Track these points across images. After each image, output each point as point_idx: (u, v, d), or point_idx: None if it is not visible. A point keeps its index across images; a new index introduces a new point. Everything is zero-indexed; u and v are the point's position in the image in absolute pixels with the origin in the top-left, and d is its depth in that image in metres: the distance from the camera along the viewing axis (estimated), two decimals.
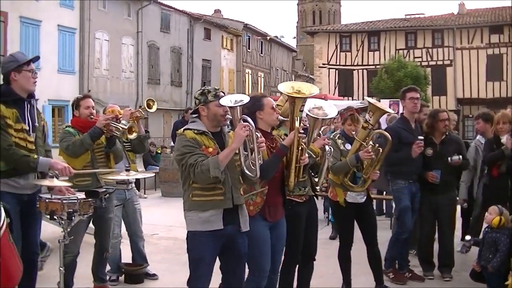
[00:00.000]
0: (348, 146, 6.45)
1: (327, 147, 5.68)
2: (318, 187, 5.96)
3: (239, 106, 4.67)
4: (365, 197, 6.54)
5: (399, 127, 7.25)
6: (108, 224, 6.50)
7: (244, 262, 4.91)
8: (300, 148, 5.12)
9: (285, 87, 5.28)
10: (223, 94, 4.77)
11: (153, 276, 7.43)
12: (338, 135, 6.64)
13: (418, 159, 7.15)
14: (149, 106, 7.16)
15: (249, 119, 4.61)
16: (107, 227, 6.49)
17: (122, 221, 7.36)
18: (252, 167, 4.66)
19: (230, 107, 4.69)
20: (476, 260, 6.53)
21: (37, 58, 5.47)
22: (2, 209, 4.18)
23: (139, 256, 7.49)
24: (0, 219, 4.07)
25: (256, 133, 4.64)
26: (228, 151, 4.56)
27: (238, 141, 4.53)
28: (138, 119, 7.07)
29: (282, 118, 5.49)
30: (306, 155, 5.18)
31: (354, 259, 6.73)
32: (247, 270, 5.06)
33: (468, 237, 6.94)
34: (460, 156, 7.23)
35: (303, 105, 5.45)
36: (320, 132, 5.76)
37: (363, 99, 39.66)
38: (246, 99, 4.81)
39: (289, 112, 5.30)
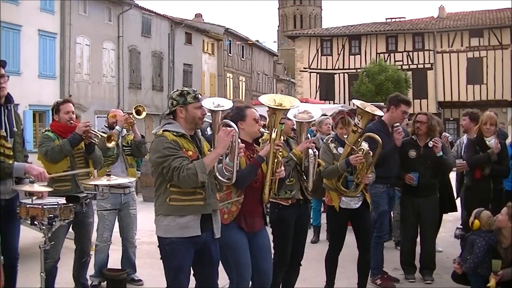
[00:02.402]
0: (340, 150, 6.36)
1: (310, 151, 5.69)
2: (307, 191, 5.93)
3: (221, 110, 4.66)
4: (360, 203, 6.43)
5: (377, 129, 7.14)
6: (88, 229, 6.49)
7: (217, 268, 4.84)
8: (276, 161, 5.09)
9: (267, 99, 5.25)
10: (201, 97, 4.71)
11: (138, 282, 7.37)
12: (331, 138, 6.58)
13: (396, 163, 7.22)
14: (139, 113, 7.16)
15: (232, 124, 4.59)
16: (87, 232, 6.47)
17: (114, 226, 7.31)
18: (226, 172, 4.64)
19: (212, 111, 4.66)
20: (457, 261, 6.57)
21: (3, 63, 5.29)
22: None
23: (127, 262, 7.44)
24: None
25: (238, 139, 4.63)
26: (215, 155, 4.50)
27: (223, 146, 4.48)
28: (131, 124, 7.15)
29: (262, 130, 5.47)
30: (282, 168, 5.16)
31: (339, 262, 6.72)
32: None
33: (457, 231, 7.01)
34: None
35: (283, 117, 5.49)
36: (308, 135, 5.79)
37: (344, 102, 39.90)
38: (227, 104, 4.78)
39: (269, 123, 5.30)
